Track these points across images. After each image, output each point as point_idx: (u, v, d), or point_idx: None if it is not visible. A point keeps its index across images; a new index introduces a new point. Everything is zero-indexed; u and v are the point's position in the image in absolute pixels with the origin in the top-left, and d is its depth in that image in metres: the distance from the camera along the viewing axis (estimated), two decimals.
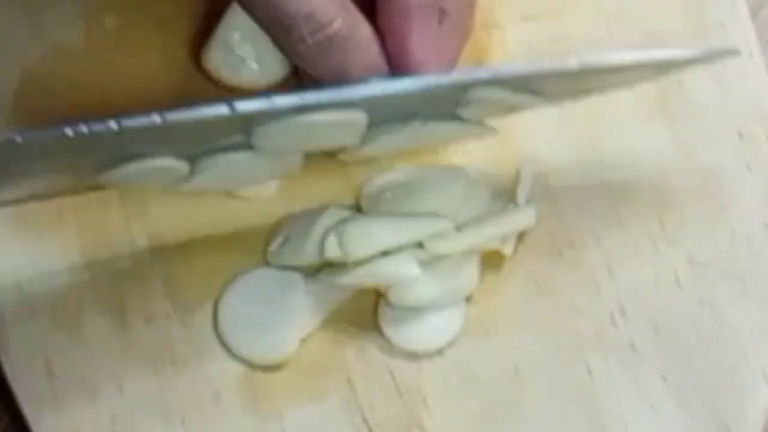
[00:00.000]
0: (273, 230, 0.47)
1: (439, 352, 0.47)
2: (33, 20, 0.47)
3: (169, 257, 0.47)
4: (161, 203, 0.47)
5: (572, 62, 0.41)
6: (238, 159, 0.42)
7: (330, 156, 0.45)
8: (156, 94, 0.47)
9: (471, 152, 0.48)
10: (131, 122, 0.38)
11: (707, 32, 0.50)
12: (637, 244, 0.48)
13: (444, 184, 0.46)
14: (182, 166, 0.42)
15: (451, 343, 0.47)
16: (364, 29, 0.42)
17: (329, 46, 0.42)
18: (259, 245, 0.47)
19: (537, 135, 0.48)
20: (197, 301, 0.47)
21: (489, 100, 0.42)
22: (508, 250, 0.47)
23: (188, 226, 0.47)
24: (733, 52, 0.44)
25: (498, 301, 0.47)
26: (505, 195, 0.47)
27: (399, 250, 0.45)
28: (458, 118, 0.44)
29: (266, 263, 0.47)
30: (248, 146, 0.42)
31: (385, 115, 0.43)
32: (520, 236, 0.47)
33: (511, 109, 0.45)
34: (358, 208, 0.47)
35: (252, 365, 0.46)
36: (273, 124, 0.41)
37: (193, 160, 0.42)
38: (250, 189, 0.47)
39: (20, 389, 0.46)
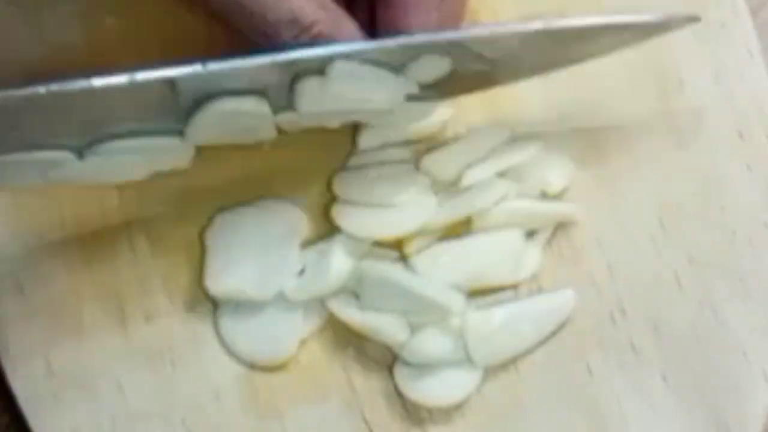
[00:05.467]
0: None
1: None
2: (33, 20, 0.47)
3: (169, 257, 0.47)
4: (161, 203, 0.47)
5: (536, 24, 0.43)
6: (127, 146, 0.43)
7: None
8: None
9: None
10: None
11: (708, 32, 0.49)
12: (637, 244, 0.48)
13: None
14: (67, 156, 0.42)
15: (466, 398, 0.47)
16: (347, 27, 0.43)
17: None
18: None
19: (536, 136, 0.48)
20: (197, 301, 0.47)
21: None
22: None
23: (188, 226, 0.47)
24: (693, 18, 0.45)
25: None
26: None
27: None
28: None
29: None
30: (176, 132, 0.43)
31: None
32: None
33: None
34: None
35: (252, 365, 0.46)
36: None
37: (80, 149, 0.43)
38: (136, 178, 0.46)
39: (20, 388, 0.46)
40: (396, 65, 0.43)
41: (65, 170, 0.43)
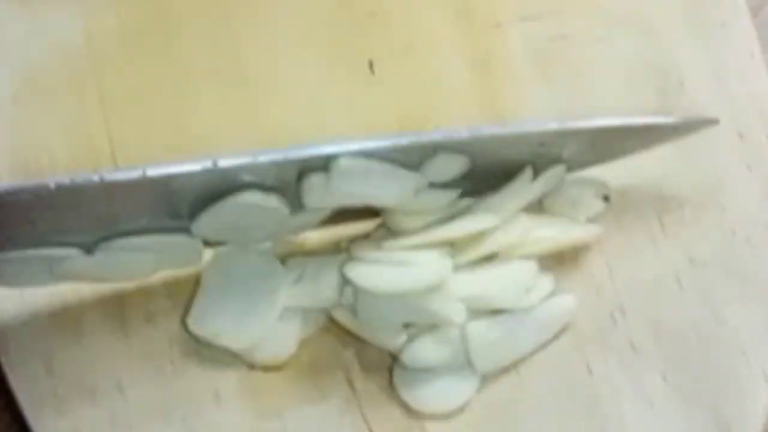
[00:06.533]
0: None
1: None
2: (33, 20, 0.47)
3: None
4: None
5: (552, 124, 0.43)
6: (136, 244, 0.43)
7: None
8: None
9: None
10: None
11: (708, 32, 0.50)
12: (637, 244, 0.48)
13: None
14: (75, 253, 0.43)
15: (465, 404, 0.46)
16: None
17: None
18: None
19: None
20: None
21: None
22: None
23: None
24: (712, 122, 0.46)
25: None
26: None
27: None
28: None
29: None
30: (183, 230, 0.43)
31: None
32: None
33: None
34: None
35: (252, 365, 0.46)
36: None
37: (89, 247, 0.43)
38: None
39: (20, 389, 0.46)
40: (409, 162, 0.43)
41: (73, 266, 0.43)
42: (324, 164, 0.41)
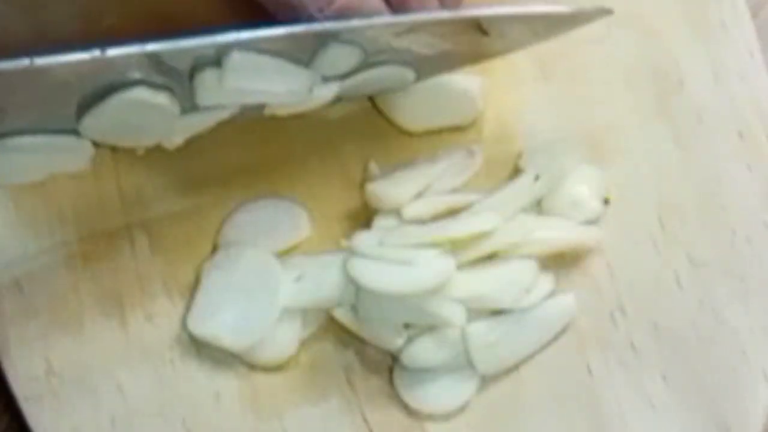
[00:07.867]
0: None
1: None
2: (33, 20, 0.47)
3: (169, 257, 0.47)
4: (162, 203, 0.47)
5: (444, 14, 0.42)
6: (25, 144, 0.41)
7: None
8: None
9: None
10: None
11: (708, 32, 0.50)
12: (637, 244, 0.48)
13: None
14: None
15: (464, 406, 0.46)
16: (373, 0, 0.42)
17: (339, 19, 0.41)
18: None
19: (537, 135, 0.48)
20: None
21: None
22: None
23: (188, 226, 0.47)
24: (605, 11, 0.44)
25: None
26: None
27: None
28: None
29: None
30: (73, 131, 0.41)
31: None
32: None
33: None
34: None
35: (252, 365, 0.46)
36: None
37: None
38: None
39: (20, 388, 0.46)
40: (301, 57, 0.42)
41: None
42: (216, 59, 0.40)
